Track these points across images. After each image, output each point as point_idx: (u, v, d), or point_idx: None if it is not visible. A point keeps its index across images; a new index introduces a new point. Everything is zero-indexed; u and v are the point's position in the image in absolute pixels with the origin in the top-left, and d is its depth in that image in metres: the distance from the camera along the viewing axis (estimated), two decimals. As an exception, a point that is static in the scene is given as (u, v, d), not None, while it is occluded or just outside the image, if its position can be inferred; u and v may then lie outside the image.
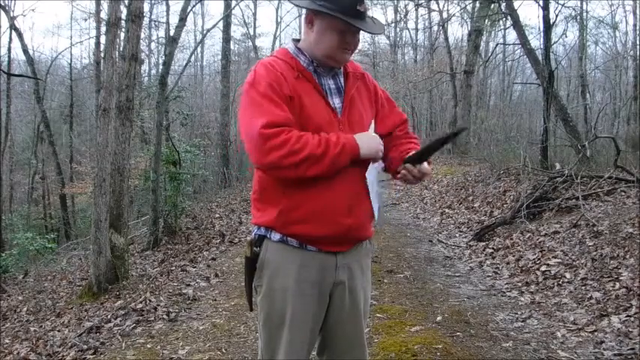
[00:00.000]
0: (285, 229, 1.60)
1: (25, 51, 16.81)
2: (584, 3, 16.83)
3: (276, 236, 1.62)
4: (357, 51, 1.73)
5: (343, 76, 1.70)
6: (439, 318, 3.68)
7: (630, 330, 3.19)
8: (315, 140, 1.49)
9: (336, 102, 1.64)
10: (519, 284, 4.46)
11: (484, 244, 6.00)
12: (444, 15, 19.16)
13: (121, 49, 6.46)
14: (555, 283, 4.24)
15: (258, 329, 1.74)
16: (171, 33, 11.95)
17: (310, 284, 1.61)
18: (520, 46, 10.31)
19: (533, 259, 4.88)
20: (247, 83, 1.57)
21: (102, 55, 11.44)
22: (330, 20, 1.56)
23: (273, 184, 1.59)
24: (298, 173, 1.50)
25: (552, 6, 9.42)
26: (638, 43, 16.20)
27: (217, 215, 10.65)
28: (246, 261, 1.69)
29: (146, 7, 13.29)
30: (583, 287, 4.01)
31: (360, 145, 1.54)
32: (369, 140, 1.57)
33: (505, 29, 18.72)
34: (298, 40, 1.70)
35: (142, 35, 12.20)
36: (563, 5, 10.00)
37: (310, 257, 1.61)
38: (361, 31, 1.61)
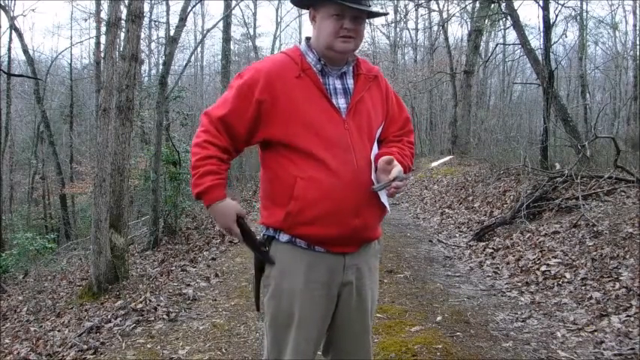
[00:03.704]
0: (293, 230, 1.59)
1: (25, 51, 16.81)
2: (584, 3, 16.86)
3: (284, 237, 1.62)
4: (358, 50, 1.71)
5: (354, 77, 1.69)
6: (439, 318, 3.68)
7: (630, 330, 3.19)
8: (204, 167, 1.58)
9: (340, 102, 1.64)
10: (519, 284, 4.46)
11: (484, 244, 6.00)
12: (444, 15, 19.14)
13: (121, 49, 6.47)
14: (555, 283, 4.25)
15: (264, 329, 1.74)
16: (172, 33, 11.97)
17: (319, 285, 1.61)
18: (520, 46, 10.31)
19: (533, 259, 4.88)
20: (236, 74, 1.70)
21: (102, 55, 11.43)
22: (325, 8, 1.58)
23: (280, 185, 1.60)
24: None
25: (552, 6, 9.38)
26: (638, 43, 16.22)
27: (217, 215, 10.63)
28: (255, 261, 1.69)
29: (146, 7, 13.27)
30: (583, 287, 4.01)
31: (214, 213, 1.62)
32: (222, 215, 1.62)
33: (505, 29, 18.70)
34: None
35: (142, 35, 12.20)
36: (563, 5, 9.98)
37: (318, 258, 1.61)
38: (365, 26, 1.62)
